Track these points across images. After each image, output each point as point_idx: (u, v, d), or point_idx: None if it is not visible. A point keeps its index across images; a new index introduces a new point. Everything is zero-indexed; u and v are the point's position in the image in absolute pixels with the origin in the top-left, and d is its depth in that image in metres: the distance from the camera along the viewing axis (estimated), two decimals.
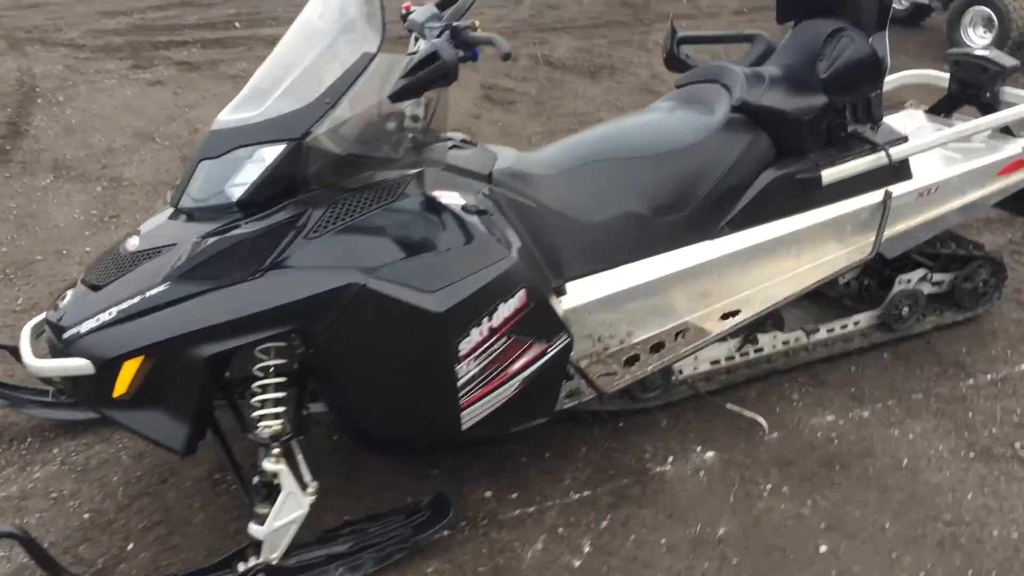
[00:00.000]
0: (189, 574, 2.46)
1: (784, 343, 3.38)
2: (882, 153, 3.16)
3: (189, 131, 6.21)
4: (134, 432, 2.36)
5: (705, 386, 3.26)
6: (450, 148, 2.81)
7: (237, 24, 9.42)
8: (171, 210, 2.50)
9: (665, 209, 2.96)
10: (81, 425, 3.06)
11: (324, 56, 2.48)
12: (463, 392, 2.48)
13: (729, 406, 3.11)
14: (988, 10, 7.33)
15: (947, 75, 3.71)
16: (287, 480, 2.40)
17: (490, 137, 5.82)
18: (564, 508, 2.77)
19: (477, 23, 2.59)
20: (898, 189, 3.24)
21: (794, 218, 3.12)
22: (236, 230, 2.37)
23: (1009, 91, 3.54)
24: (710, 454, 2.98)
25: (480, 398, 2.52)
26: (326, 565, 2.50)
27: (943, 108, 3.72)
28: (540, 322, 2.57)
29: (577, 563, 2.57)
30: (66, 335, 2.30)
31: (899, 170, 3.24)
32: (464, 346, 2.43)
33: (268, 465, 2.40)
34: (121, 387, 2.27)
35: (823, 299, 3.65)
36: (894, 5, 8.12)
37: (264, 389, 2.46)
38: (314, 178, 2.44)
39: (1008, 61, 3.49)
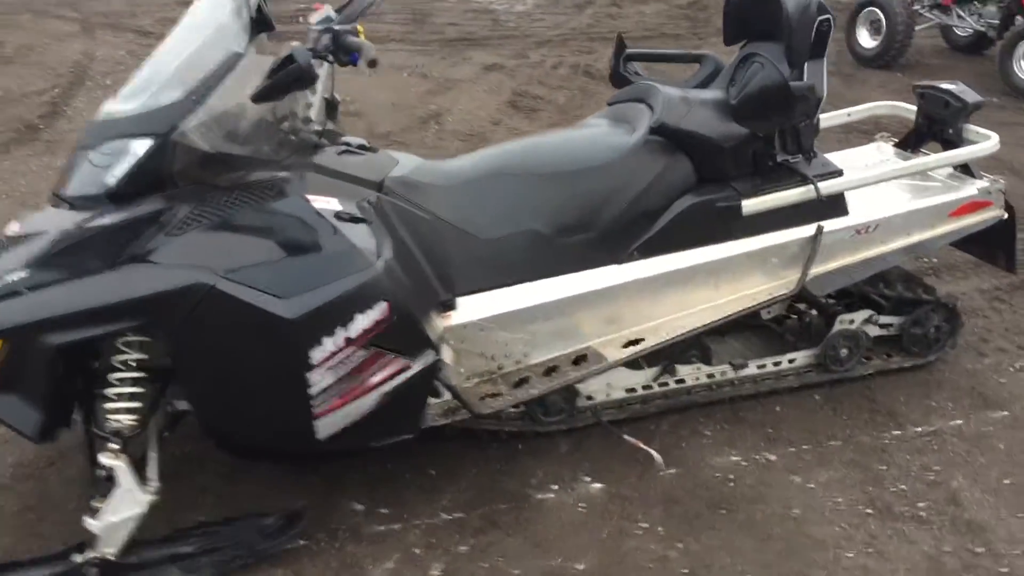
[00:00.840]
0: (28, 561, 2.47)
1: (708, 376, 3.26)
2: (811, 186, 3.01)
3: None
4: None
5: (616, 414, 3.16)
6: (341, 153, 2.77)
7: (300, 19, 9.51)
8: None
9: (569, 229, 2.88)
10: None
11: (197, 53, 2.49)
12: (316, 402, 2.45)
13: (627, 437, 3.02)
14: None
15: (915, 108, 3.53)
16: (123, 476, 2.42)
17: None
18: (431, 528, 2.72)
19: (360, 28, 2.56)
20: (831, 225, 3.10)
21: (713, 247, 3.01)
22: (98, 221, 2.38)
23: (972, 129, 3.35)
24: (598, 486, 2.89)
25: (335, 409, 2.49)
26: (163, 565, 2.50)
27: (910, 143, 3.53)
28: (402, 337, 2.52)
29: None
30: None
31: (832, 205, 3.10)
32: (316, 355, 2.40)
33: (104, 459, 2.41)
34: None
35: (766, 332, 3.50)
36: (957, 31, 7.84)
37: (120, 383, 2.46)
38: (182, 174, 2.45)
39: (971, 97, 3.31)
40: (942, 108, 3.38)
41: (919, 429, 3.15)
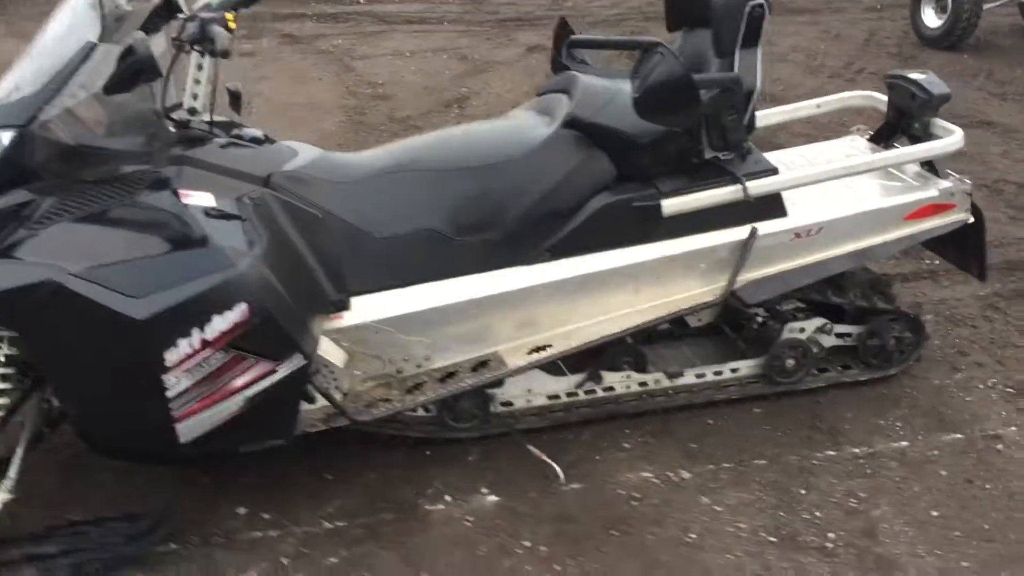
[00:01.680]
0: None
1: (640, 385, 3.08)
2: (739, 186, 2.79)
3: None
4: None
5: (536, 422, 3.01)
6: (227, 146, 2.68)
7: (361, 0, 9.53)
8: None
9: (471, 228, 2.75)
10: None
11: (54, 44, 2.44)
12: (175, 405, 2.38)
13: (531, 448, 2.88)
14: None
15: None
16: None
17: None
18: (308, 537, 2.65)
19: (230, 16, 2.47)
20: (767, 227, 2.88)
21: (631, 250, 2.83)
22: None
23: (940, 123, 3.06)
24: (493, 499, 2.77)
25: (196, 413, 2.42)
26: (20, 564, 2.47)
27: (882, 136, 3.25)
28: (265, 340, 2.44)
29: None
30: None
31: (768, 206, 2.88)
32: (171, 357, 2.34)
33: None
34: None
35: (721, 337, 3.29)
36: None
37: None
38: (45, 167, 2.41)
39: (938, 88, 3.02)
40: (909, 100, 3.10)
41: (857, 450, 2.91)
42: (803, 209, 2.97)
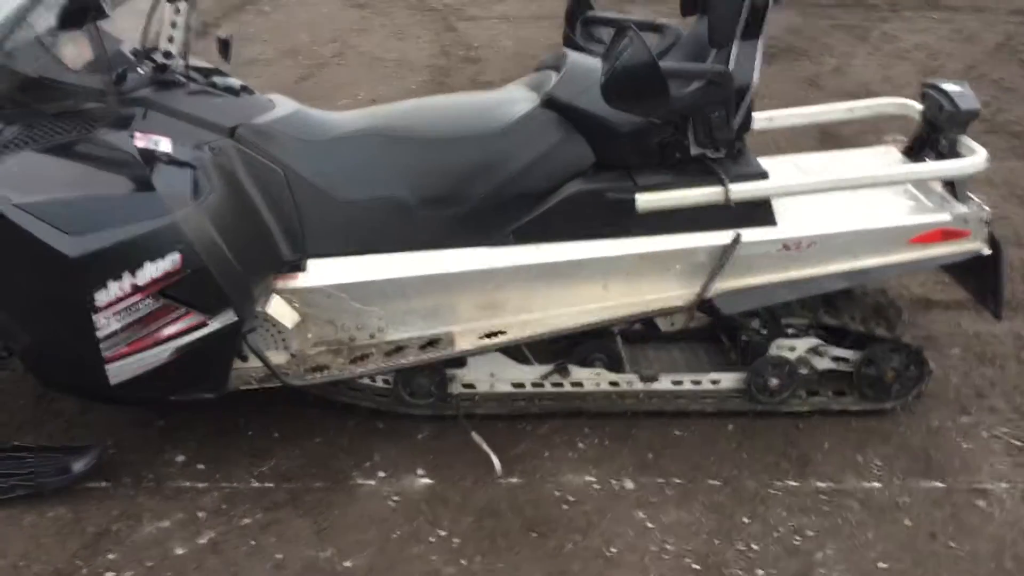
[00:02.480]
0: None
1: (611, 384, 2.95)
2: (720, 188, 2.62)
3: (332, 54, 6.41)
4: None
5: (495, 408, 2.92)
6: (197, 93, 2.67)
7: None
8: None
9: (435, 201, 2.68)
10: None
11: None
12: (105, 345, 2.41)
13: (474, 435, 2.80)
14: None
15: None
16: None
17: None
18: (232, 494, 2.66)
19: None
20: (752, 235, 2.69)
21: (602, 243, 2.69)
22: None
23: (966, 142, 2.79)
24: (426, 481, 2.71)
25: (126, 355, 2.45)
26: None
27: (914, 148, 2.99)
28: (197, 292, 2.44)
29: (179, 551, 2.47)
30: None
31: (755, 213, 2.69)
32: (101, 298, 2.37)
33: None
34: None
35: (718, 346, 3.12)
36: None
37: None
38: (8, 96, 2.45)
39: (967, 103, 2.74)
40: (938, 112, 2.83)
41: (821, 484, 2.71)
42: (796, 220, 2.76)
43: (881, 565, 2.46)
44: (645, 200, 2.66)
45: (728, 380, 2.98)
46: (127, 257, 2.36)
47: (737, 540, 2.52)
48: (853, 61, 6.45)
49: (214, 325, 2.48)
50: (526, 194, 2.69)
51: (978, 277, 2.92)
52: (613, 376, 2.96)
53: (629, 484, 2.71)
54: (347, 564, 2.44)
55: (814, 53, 6.72)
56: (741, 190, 2.65)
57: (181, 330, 2.47)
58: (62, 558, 2.43)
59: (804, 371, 2.95)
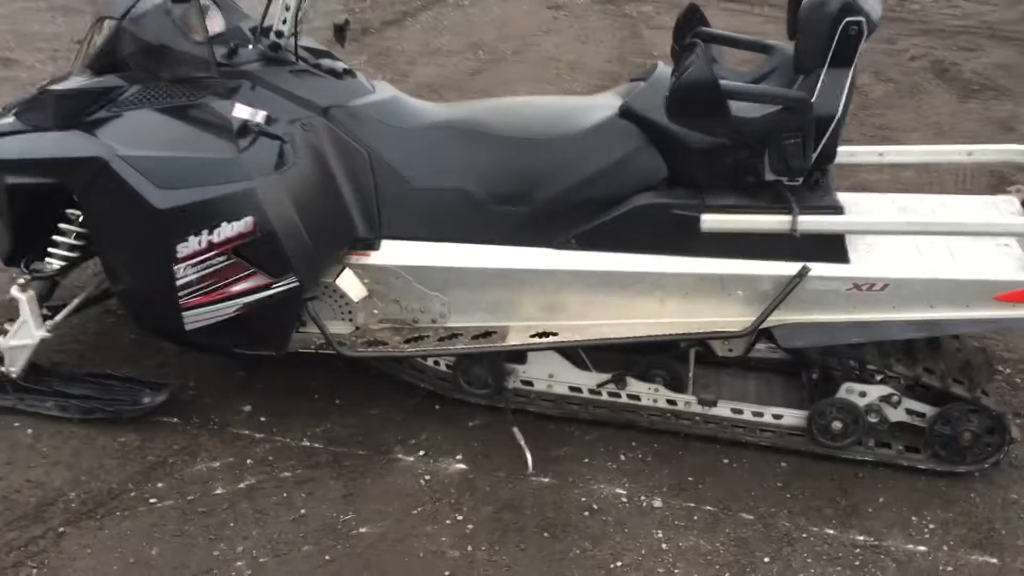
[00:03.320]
0: None
1: (669, 402, 2.93)
2: (788, 217, 2.55)
3: (512, 51, 6.60)
4: None
5: (550, 408, 2.97)
6: (301, 72, 2.85)
7: None
8: None
9: (504, 198, 2.77)
10: None
11: None
12: (182, 293, 2.65)
13: (515, 430, 2.84)
14: None
15: None
16: (23, 309, 2.80)
17: None
18: (281, 448, 2.85)
19: None
20: (821, 270, 2.61)
21: (665, 258, 2.69)
22: (63, 85, 2.76)
23: None
24: (460, 467, 2.80)
25: (199, 306, 2.68)
26: (44, 394, 2.87)
27: None
28: (265, 255, 2.63)
29: (219, 491, 2.68)
30: None
31: (827, 247, 2.61)
32: (182, 250, 2.61)
33: (13, 291, 2.81)
34: None
35: (793, 380, 3.05)
36: None
37: (63, 234, 2.85)
38: (132, 59, 2.76)
39: None
40: None
41: (861, 538, 2.58)
42: (874, 260, 2.63)
43: None
44: (710, 220, 2.62)
45: (791, 417, 2.89)
46: (207, 215, 2.58)
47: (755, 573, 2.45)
48: None
49: (277, 288, 2.66)
50: (593, 201, 2.71)
51: None
52: (671, 395, 2.93)
53: (658, 503, 2.68)
54: (362, 530, 2.56)
55: (1018, 93, 6.28)
56: (809, 222, 2.56)
57: (248, 288, 2.66)
58: (118, 479, 2.68)
59: (873, 419, 2.81)
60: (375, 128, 2.83)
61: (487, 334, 2.82)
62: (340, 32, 3.05)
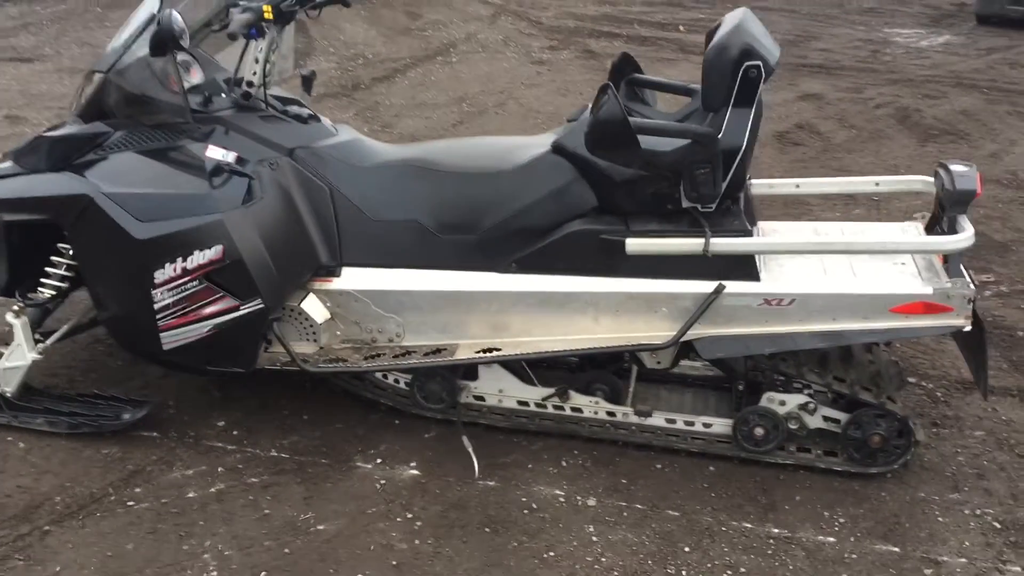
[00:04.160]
0: None
1: (608, 414, 3.19)
2: (702, 240, 2.84)
3: (495, 104, 6.95)
4: None
5: (499, 421, 3.24)
6: (269, 118, 3.16)
7: (681, 28, 9.85)
8: None
9: (451, 227, 3.06)
10: None
11: (137, 14, 3.06)
12: (160, 316, 2.94)
13: (464, 439, 3.10)
14: None
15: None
16: (17, 333, 3.09)
17: None
18: (251, 458, 3.11)
19: (267, 8, 2.95)
20: (735, 287, 2.89)
21: (595, 279, 2.98)
22: (59, 131, 3.09)
23: (962, 220, 2.86)
24: (414, 472, 3.06)
25: (176, 327, 2.97)
26: (36, 412, 3.16)
27: (931, 224, 3.09)
28: (233, 280, 2.92)
29: (191, 495, 2.94)
30: None
31: (739, 267, 2.89)
32: (159, 276, 2.91)
33: (8, 317, 3.10)
34: None
35: (727, 393, 3.31)
36: None
37: (56, 266, 3.15)
38: (117, 108, 3.07)
39: (963, 184, 2.82)
40: (942, 190, 2.92)
41: (776, 530, 2.82)
42: (782, 278, 2.91)
43: None
44: (634, 244, 2.91)
45: (719, 425, 3.14)
46: (181, 244, 2.88)
47: (670, 565, 2.69)
48: (1015, 148, 6.31)
49: (244, 309, 2.95)
50: (530, 228, 3.00)
51: (972, 353, 2.95)
52: (611, 407, 3.19)
53: (592, 502, 2.93)
54: (320, 527, 2.81)
55: (976, 137, 6.60)
56: (720, 243, 2.84)
57: (218, 310, 2.95)
58: (100, 485, 2.95)
59: (794, 426, 3.06)
60: (336, 167, 3.13)
61: (438, 351, 3.09)
62: (307, 82, 3.37)
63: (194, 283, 2.91)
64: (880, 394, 3.00)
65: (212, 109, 3.12)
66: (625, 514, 2.89)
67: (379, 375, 3.28)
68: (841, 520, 2.88)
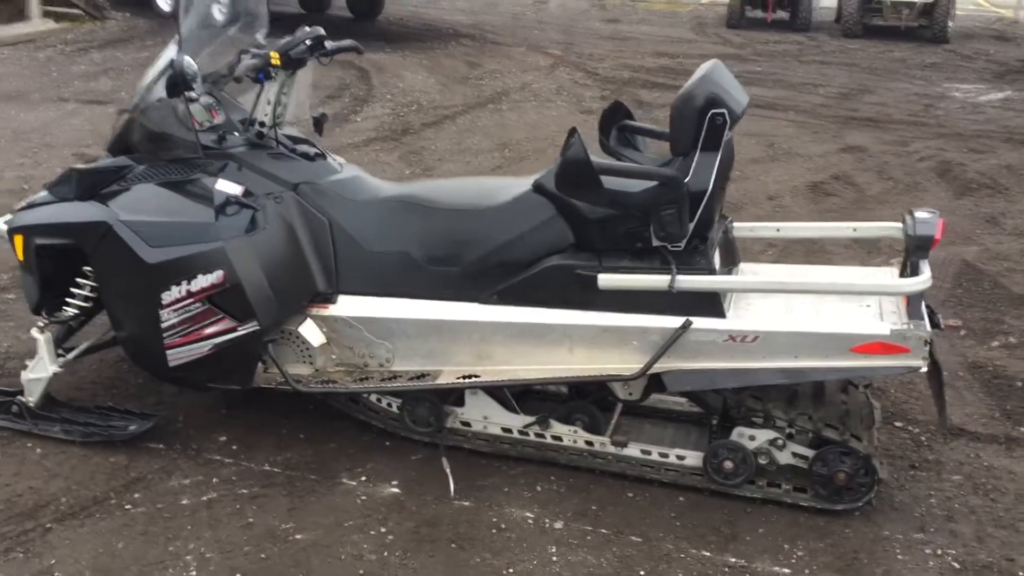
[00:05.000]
0: None
1: (586, 443, 3.33)
2: (668, 277, 2.99)
3: (535, 150, 7.19)
4: None
5: (484, 446, 3.40)
6: (277, 155, 3.41)
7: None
8: None
9: (438, 260, 3.25)
10: None
11: (160, 58, 3.35)
12: (166, 335, 3.19)
13: (444, 460, 3.27)
14: None
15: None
16: (41, 348, 3.37)
17: None
18: (245, 471, 3.31)
19: (274, 54, 3.21)
20: (702, 323, 3.02)
21: (570, 312, 3.13)
22: (91, 165, 3.39)
23: (923, 264, 2.95)
24: (394, 491, 3.22)
25: (180, 345, 3.20)
26: (54, 421, 3.42)
27: (903, 268, 3.18)
28: (232, 302, 3.15)
29: (184, 502, 3.15)
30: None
31: (705, 304, 3.02)
32: (166, 297, 3.15)
33: (33, 332, 3.38)
34: (18, 254, 3.43)
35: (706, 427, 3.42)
36: None
37: (80, 287, 3.43)
38: (140, 144, 3.35)
39: (921, 230, 2.92)
40: (906, 235, 3.02)
41: (733, 560, 2.91)
42: (747, 315, 3.03)
43: None
44: (605, 279, 3.06)
45: (692, 458, 3.25)
46: (187, 268, 3.12)
47: None
48: None
49: (242, 331, 3.17)
50: (511, 262, 3.18)
51: (934, 392, 3.03)
52: (589, 436, 3.33)
53: (559, 525, 3.06)
54: (298, 536, 2.99)
55: (1015, 192, 6.60)
56: (686, 280, 2.98)
57: (218, 331, 3.18)
58: (103, 489, 3.18)
59: (763, 461, 3.16)
60: (336, 201, 3.36)
61: (422, 376, 3.27)
62: (318, 123, 3.62)
63: (197, 305, 3.14)
64: (844, 432, 3.08)
65: (227, 146, 3.38)
66: (589, 538, 3.01)
67: (373, 398, 3.46)
68: (800, 553, 2.95)
